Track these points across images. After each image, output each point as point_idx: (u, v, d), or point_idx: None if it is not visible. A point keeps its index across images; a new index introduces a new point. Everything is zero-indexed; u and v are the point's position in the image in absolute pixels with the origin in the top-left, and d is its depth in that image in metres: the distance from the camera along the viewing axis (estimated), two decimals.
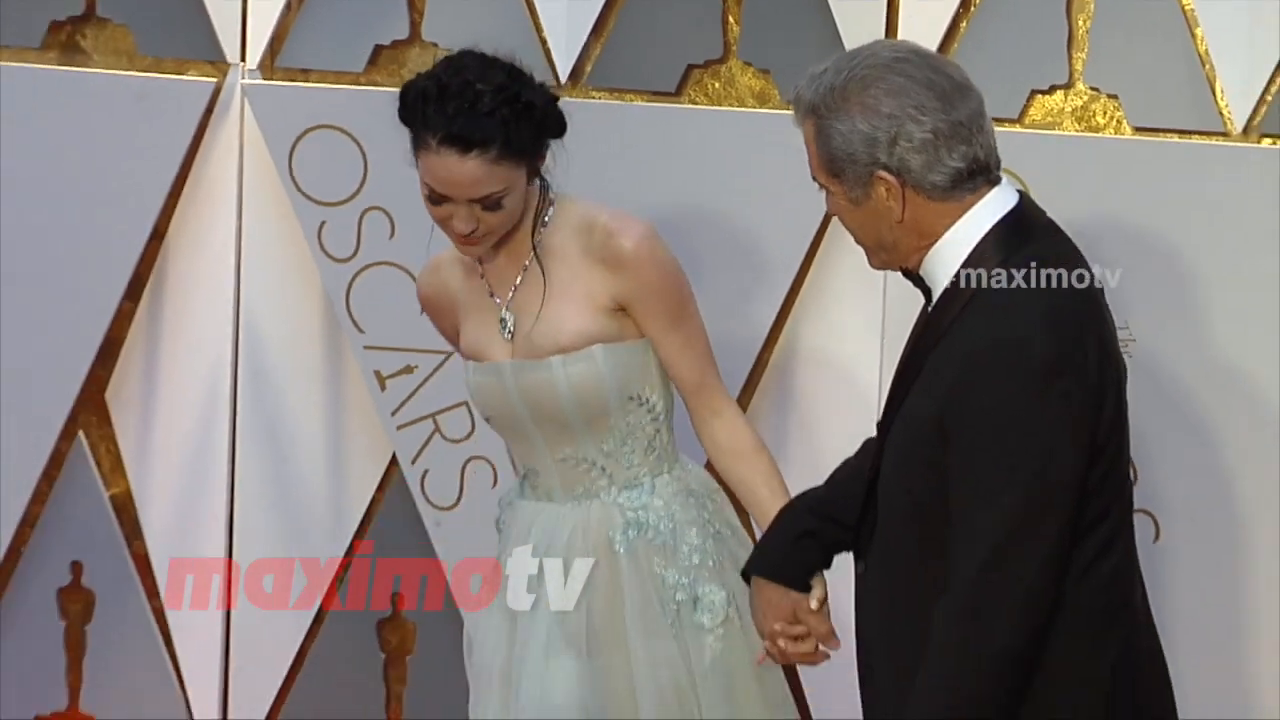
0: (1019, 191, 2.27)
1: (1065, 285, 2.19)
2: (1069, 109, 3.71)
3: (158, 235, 4.08)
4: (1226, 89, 3.59)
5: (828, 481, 2.51)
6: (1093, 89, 3.65)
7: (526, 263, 2.75)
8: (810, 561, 2.48)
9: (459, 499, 4.31)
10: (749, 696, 2.83)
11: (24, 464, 4.18)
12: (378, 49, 3.94)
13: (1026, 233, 2.21)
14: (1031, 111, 3.67)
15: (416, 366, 4.05)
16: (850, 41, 3.43)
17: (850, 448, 2.55)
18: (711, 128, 3.77)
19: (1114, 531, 2.23)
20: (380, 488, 4.34)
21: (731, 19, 3.77)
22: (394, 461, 4.23)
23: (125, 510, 4.34)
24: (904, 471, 2.24)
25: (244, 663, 4.45)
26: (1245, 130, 3.59)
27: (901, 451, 2.25)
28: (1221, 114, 3.59)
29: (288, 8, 3.92)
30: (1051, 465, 2.12)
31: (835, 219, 2.32)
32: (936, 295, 2.24)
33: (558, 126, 2.67)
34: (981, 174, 2.21)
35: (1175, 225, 3.58)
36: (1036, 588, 2.12)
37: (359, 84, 3.95)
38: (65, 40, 4.11)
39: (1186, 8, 3.57)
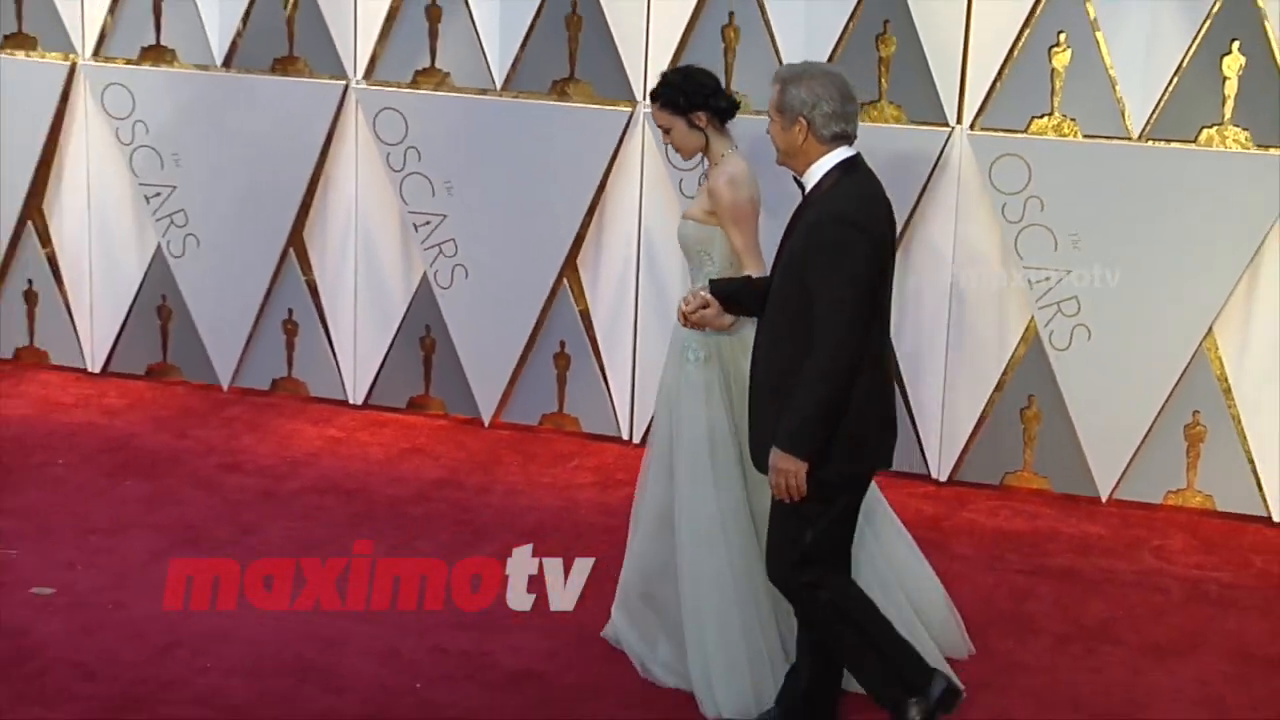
0: (858, 152, 4.29)
1: (864, 193, 4.25)
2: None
3: None
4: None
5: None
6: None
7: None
8: (738, 295, 4.58)
9: None
10: (713, 398, 4.79)
11: None
12: None
13: (853, 169, 4.26)
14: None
15: None
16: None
17: None
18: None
19: (883, 329, 4.28)
20: None
21: (883, 77, 6.39)
22: None
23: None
24: (784, 282, 4.26)
25: None
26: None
27: (784, 272, 4.27)
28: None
29: None
30: (860, 279, 4.12)
31: None
32: (808, 191, 4.29)
33: (700, 103, 4.84)
34: (844, 140, 4.27)
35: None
36: (859, 329, 4.12)
37: None
38: None
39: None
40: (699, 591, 4.74)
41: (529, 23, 6.74)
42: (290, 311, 7.29)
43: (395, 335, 7.17)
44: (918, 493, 6.54)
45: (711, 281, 4.66)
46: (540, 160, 6.79)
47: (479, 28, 6.80)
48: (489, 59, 6.80)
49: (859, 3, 6.44)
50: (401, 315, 7.15)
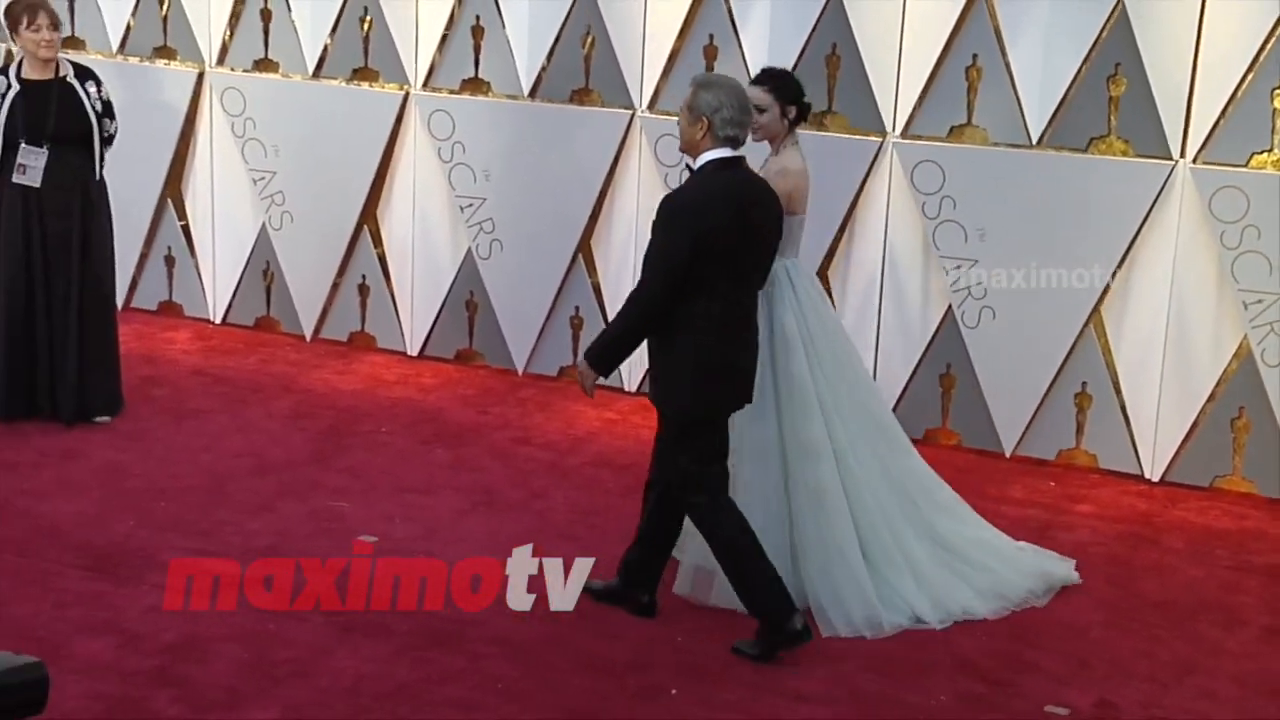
0: (741, 155, 4.61)
1: (710, 187, 4.56)
2: None
3: None
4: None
5: None
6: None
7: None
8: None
9: None
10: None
11: None
12: None
13: (727, 166, 4.58)
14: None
15: None
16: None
17: None
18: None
19: (714, 292, 4.52)
20: None
21: (1112, 115, 6.29)
22: None
23: None
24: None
25: None
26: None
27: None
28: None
29: None
30: (673, 247, 4.47)
31: None
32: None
33: (796, 100, 5.13)
34: (731, 143, 4.57)
35: None
36: (659, 291, 4.50)
37: None
38: None
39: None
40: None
41: (793, 62, 6.74)
42: (577, 308, 7.42)
43: None
44: (1131, 490, 6.34)
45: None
46: None
47: (748, 63, 6.83)
48: None
49: (1091, 48, 6.27)
50: None
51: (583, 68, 7.19)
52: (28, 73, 6.26)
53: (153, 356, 7.52)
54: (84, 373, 6.42)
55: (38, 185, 6.25)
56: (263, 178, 7.79)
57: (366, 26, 7.54)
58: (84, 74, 6.40)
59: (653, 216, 4.59)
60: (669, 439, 4.72)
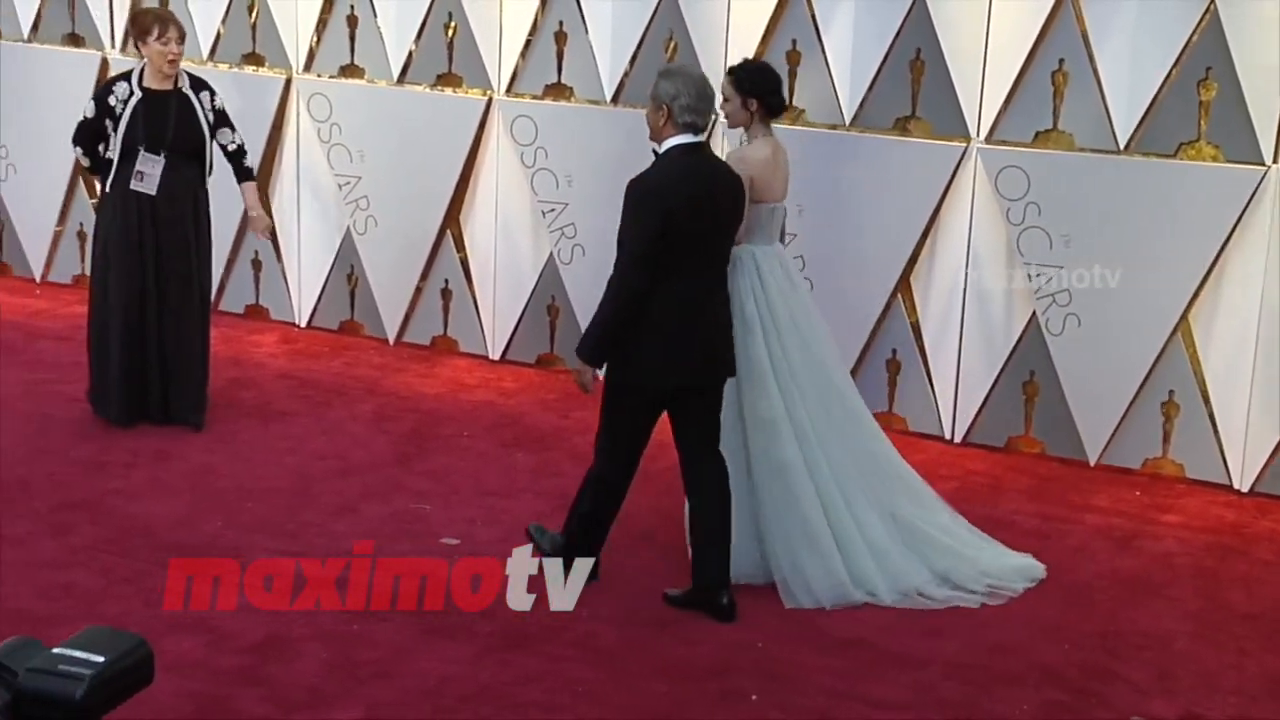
0: (703, 142, 4.89)
1: (673, 170, 4.80)
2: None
3: None
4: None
5: None
6: None
7: None
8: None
9: None
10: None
11: None
12: None
13: (689, 152, 4.83)
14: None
15: None
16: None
17: None
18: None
19: (677, 271, 4.74)
20: None
21: (1203, 119, 6.19)
22: None
23: None
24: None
25: None
26: None
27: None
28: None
29: None
30: (643, 228, 4.71)
31: None
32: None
33: (756, 93, 5.33)
34: (692, 129, 4.82)
35: None
36: (635, 274, 4.72)
37: None
38: None
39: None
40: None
41: (876, 67, 6.71)
42: None
43: None
44: (1219, 500, 6.25)
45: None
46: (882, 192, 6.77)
47: (831, 67, 6.81)
48: (839, 98, 6.81)
49: (1181, 51, 6.19)
50: None
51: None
52: (148, 81, 6.37)
53: (240, 359, 7.63)
54: (195, 377, 6.55)
55: (154, 193, 6.37)
56: (348, 183, 7.89)
57: (451, 32, 7.62)
58: (198, 85, 6.52)
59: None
60: (607, 404, 4.94)
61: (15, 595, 4.89)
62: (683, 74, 4.90)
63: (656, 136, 4.88)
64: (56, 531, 5.42)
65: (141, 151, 6.33)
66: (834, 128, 6.87)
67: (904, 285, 6.89)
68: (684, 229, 4.73)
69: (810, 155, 6.76)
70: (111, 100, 6.31)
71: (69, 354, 7.33)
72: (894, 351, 6.95)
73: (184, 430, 6.50)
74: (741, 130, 5.46)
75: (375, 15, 7.75)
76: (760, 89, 5.34)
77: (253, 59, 8.10)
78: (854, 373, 6.97)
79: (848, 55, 6.75)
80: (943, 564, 5.22)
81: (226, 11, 8.10)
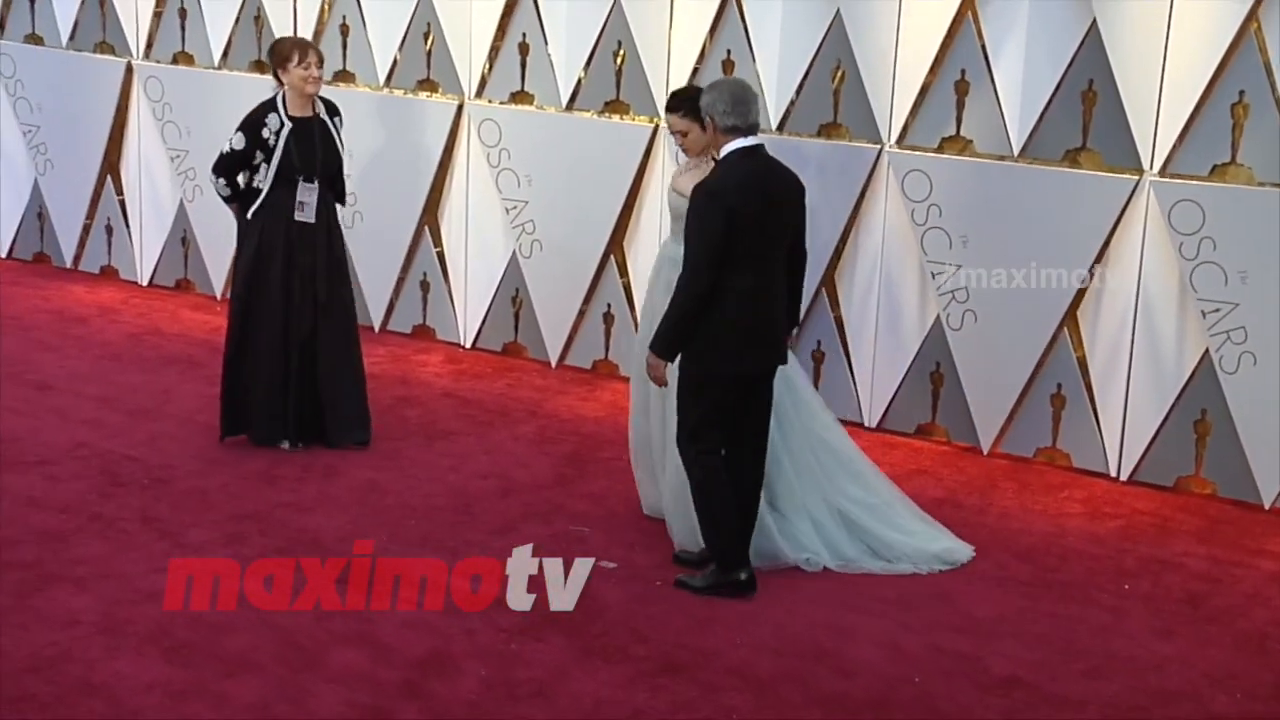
0: (761, 144, 5.16)
1: (735, 173, 5.11)
2: None
3: None
4: None
5: None
6: None
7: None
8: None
9: None
10: None
11: None
12: None
13: (748, 155, 5.14)
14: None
15: None
16: None
17: None
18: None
19: (744, 266, 5.06)
20: None
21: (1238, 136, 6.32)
22: None
23: None
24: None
25: None
26: None
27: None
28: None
29: None
30: (707, 230, 5.01)
31: None
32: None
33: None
34: (741, 132, 5.12)
35: None
36: (704, 271, 5.03)
37: None
38: None
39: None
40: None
41: (1048, 97, 6.62)
42: (819, 342, 7.41)
43: (909, 366, 7.17)
44: None
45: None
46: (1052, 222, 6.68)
47: (1000, 97, 6.74)
48: (1009, 128, 6.73)
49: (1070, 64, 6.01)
50: (914, 351, 7.16)
51: (831, 101, 7.20)
52: (292, 109, 6.52)
53: (406, 378, 7.80)
54: (354, 396, 6.72)
55: (313, 221, 6.54)
56: (515, 207, 8.03)
57: (619, 60, 7.71)
58: (331, 109, 6.66)
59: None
60: (684, 393, 5.21)
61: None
62: (716, 85, 5.27)
63: (715, 148, 5.26)
64: (230, 540, 5.60)
65: (301, 182, 6.49)
66: (1001, 159, 6.80)
67: (1070, 322, 6.78)
68: (747, 226, 5.05)
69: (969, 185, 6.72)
70: (265, 133, 6.44)
71: None
72: (1059, 386, 6.82)
73: (352, 447, 6.66)
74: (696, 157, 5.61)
75: (546, 43, 7.87)
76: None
77: (427, 85, 8.29)
78: (1016, 406, 6.89)
79: (1017, 86, 6.68)
80: (878, 541, 5.64)
81: (403, 39, 8.28)
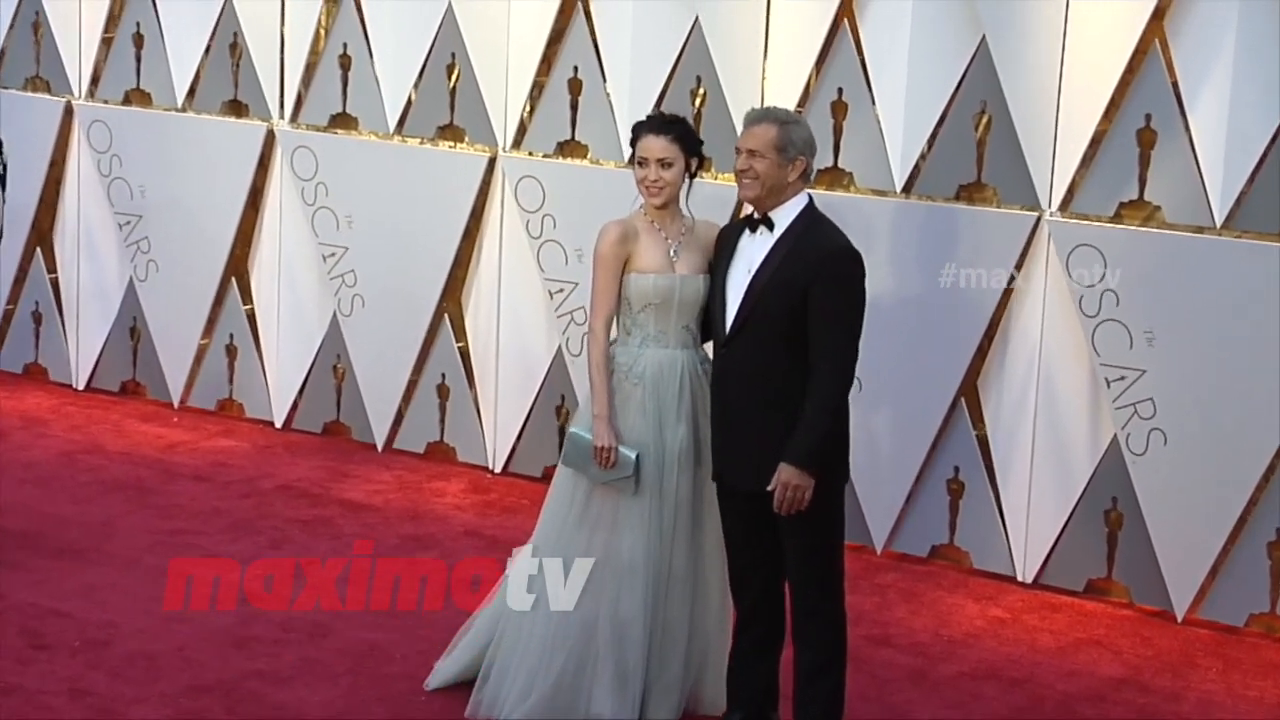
0: (809, 194, 5.28)
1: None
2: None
3: None
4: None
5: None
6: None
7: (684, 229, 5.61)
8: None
9: None
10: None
11: None
12: None
13: (815, 209, 5.26)
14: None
15: None
16: None
17: None
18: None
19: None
20: None
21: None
22: None
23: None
24: (777, 308, 5.13)
25: None
26: None
27: (777, 297, 5.13)
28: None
29: None
30: (861, 307, 5.15)
31: None
32: (784, 227, 5.20)
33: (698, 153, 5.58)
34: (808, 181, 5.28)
35: None
36: (852, 369, 5.16)
37: None
38: None
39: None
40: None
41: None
42: (956, 469, 7.40)
43: (1075, 507, 7.13)
44: None
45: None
46: None
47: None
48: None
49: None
50: (1084, 485, 7.11)
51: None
52: None
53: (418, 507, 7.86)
54: None
55: None
56: (561, 289, 8.09)
57: (699, 100, 7.80)
58: None
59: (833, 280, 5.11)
60: (825, 524, 5.17)
61: None
62: (805, 123, 5.34)
63: (777, 198, 5.18)
64: None
65: None
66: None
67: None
68: None
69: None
70: None
71: (209, 498, 7.65)
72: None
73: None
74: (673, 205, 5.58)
75: (605, 82, 7.98)
76: (700, 145, 5.64)
77: (450, 133, 8.43)
78: (1219, 562, 6.84)
79: (1221, 135, 6.72)
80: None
81: (418, 80, 8.43)
